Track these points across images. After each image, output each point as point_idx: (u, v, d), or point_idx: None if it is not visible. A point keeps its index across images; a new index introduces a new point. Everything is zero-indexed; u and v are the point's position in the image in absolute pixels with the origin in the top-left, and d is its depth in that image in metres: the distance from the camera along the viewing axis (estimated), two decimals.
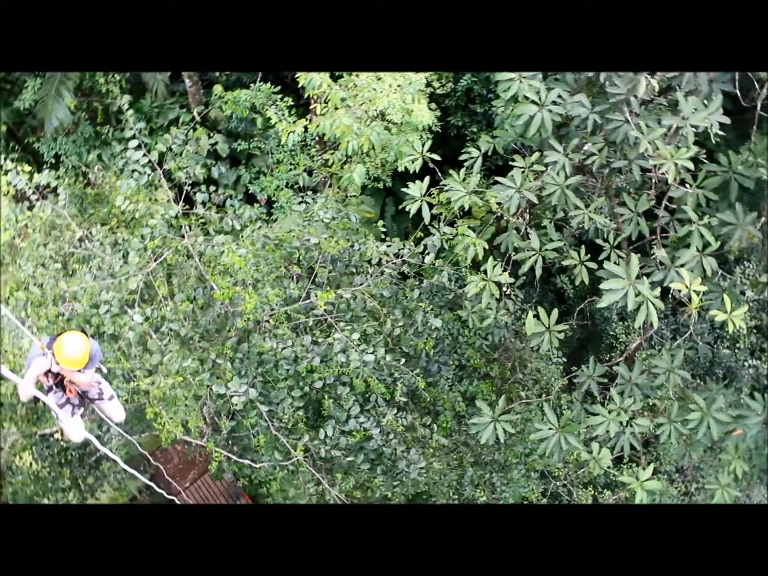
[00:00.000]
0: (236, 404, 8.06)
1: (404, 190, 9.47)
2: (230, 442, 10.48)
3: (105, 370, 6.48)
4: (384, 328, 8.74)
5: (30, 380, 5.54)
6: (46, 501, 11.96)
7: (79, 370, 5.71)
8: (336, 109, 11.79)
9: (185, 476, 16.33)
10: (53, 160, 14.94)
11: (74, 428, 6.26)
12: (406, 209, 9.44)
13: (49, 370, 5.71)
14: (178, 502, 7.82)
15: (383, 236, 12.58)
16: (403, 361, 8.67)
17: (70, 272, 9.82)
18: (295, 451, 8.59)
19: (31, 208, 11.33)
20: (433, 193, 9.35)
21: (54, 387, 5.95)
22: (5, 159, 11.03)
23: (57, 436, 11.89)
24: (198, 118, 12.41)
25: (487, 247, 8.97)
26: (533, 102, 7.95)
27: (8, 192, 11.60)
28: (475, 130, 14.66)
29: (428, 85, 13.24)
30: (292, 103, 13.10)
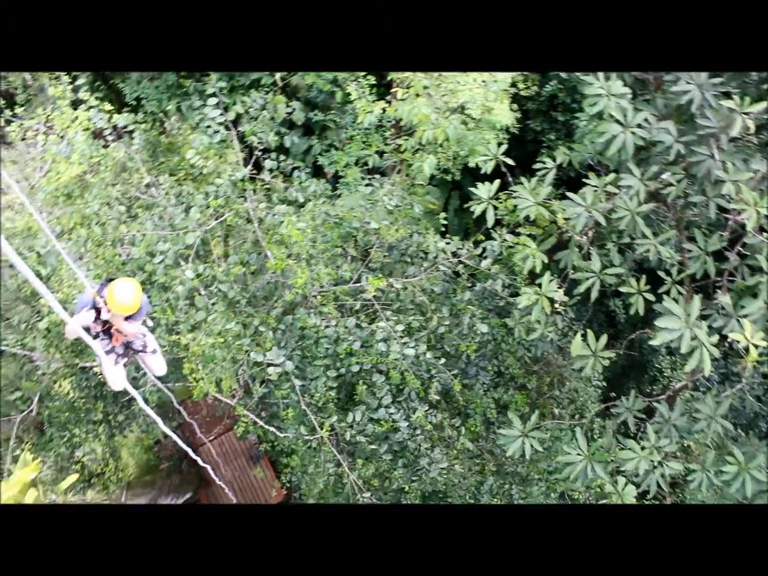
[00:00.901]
0: (271, 374, 8.12)
1: (472, 189, 9.34)
2: (260, 406, 10.60)
3: (150, 324, 6.57)
4: (429, 324, 8.69)
5: (76, 324, 5.61)
6: (77, 431, 12.32)
7: (127, 318, 5.80)
8: (417, 96, 11.69)
9: (211, 429, 16.58)
10: (134, 103, 15.20)
11: (116, 377, 6.38)
12: (471, 208, 9.31)
13: (98, 317, 5.80)
14: (196, 457, 7.94)
15: (443, 229, 12.47)
16: (442, 360, 8.61)
17: (133, 216, 10.00)
18: (321, 429, 8.64)
19: (106, 146, 11.59)
20: (501, 198, 9.20)
21: (101, 334, 6.05)
22: (90, 95, 11.28)
23: (96, 370, 12.22)
24: (280, 84, 12.44)
25: (545, 261, 8.80)
26: (618, 122, 7.73)
27: (88, 128, 11.89)
28: (553, 138, 14.39)
29: (513, 85, 13.03)
30: (374, 83, 13.02)
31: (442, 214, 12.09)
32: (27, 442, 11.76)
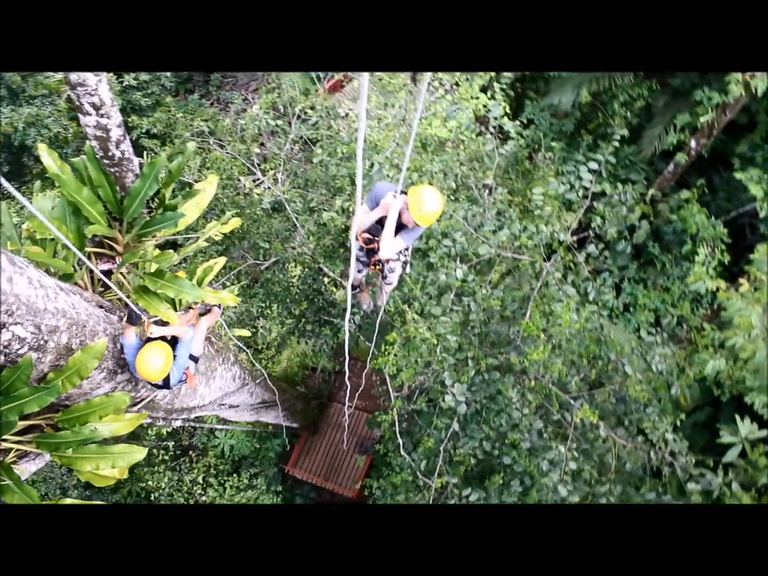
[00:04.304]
0: (444, 402, 7.99)
1: (737, 417, 8.54)
2: (406, 416, 10.58)
3: (408, 270, 6.62)
4: (596, 488, 8.09)
5: (372, 213, 5.44)
6: (274, 307, 13.24)
7: (399, 230, 5.54)
8: (756, 302, 10.87)
9: (353, 396, 16.86)
10: (525, 121, 15.75)
11: (357, 277, 6.81)
12: (720, 431, 8.56)
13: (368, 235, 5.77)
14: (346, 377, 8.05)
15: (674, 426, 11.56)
16: None
17: (455, 199, 10.38)
18: (437, 478, 8.41)
19: (480, 134, 12.28)
20: (757, 447, 8.29)
21: (363, 246, 6.04)
22: (501, 91, 11.89)
23: (326, 280, 13.00)
24: (649, 196, 12.20)
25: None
26: None
27: (479, 111, 12.61)
28: None
29: None
30: (725, 260, 12.35)
31: (683, 415, 11.16)
32: (239, 283, 12.88)
